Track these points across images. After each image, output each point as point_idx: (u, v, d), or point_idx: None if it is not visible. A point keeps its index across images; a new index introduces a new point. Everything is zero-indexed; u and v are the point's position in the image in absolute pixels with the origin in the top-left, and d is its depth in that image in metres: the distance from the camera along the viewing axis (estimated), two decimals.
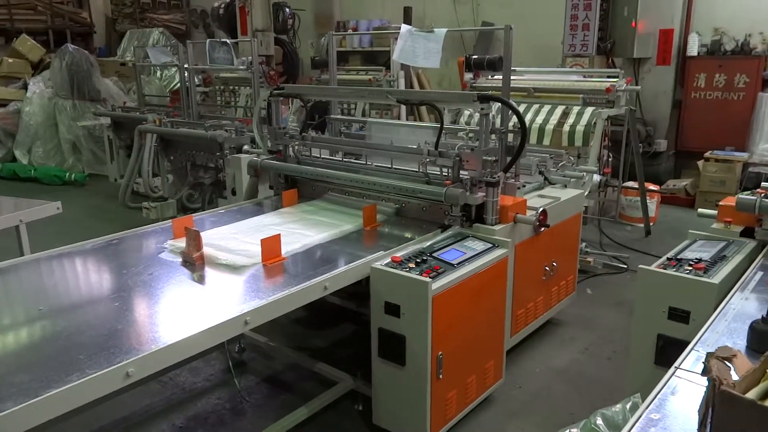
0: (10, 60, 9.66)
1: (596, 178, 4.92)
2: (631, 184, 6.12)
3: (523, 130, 3.11)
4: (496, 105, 3.35)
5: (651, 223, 6.07)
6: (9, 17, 10.60)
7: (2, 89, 9.26)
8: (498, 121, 3.58)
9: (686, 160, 7.49)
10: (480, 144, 3.09)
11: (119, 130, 7.48)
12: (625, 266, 5.04)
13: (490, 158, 3.01)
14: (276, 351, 3.57)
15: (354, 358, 3.36)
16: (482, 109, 3.00)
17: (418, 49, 3.62)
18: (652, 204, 6.23)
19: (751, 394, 1.39)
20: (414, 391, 2.62)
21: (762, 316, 1.86)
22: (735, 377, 1.42)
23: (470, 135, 3.46)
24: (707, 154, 6.83)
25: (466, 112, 5.30)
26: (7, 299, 2.46)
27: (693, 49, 7.23)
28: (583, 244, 5.17)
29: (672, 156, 7.61)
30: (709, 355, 1.53)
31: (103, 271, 2.78)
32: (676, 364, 1.78)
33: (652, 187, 6.29)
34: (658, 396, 1.63)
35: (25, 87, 9.24)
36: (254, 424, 2.95)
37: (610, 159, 5.53)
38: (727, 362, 1.48)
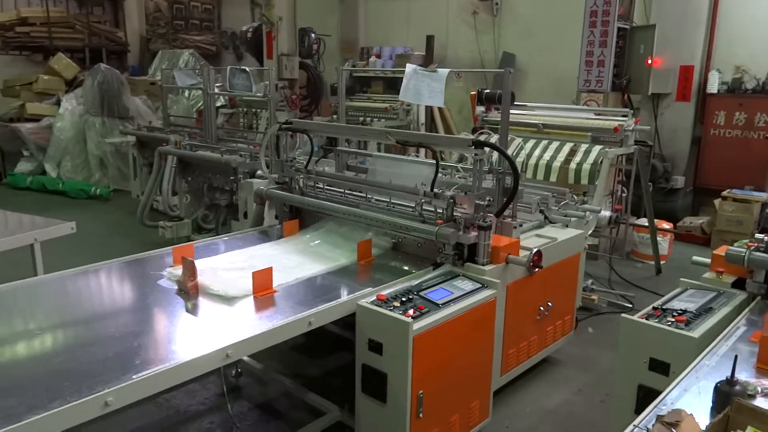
0: (46, 77, 10.07)
1: (606, 214, 4.92)
2: (644, 221, 6.08)
3: (515, 176, 3.16)
4: (492, 139, 3.42)
5: (662, 261, 6.02)
6: (48, 35, 11.05)
7: (37, 105, 9.64)
8: (496, 156, 3.63)
9: (704, 197, 7.41)
10: (473, 188, 3.15)
11: (143, 148, 7.72)
12: (631, 305, 5.00)
13: (482, 203, 3.05)
14: (271, 377, 3.64)
15: (345, 389, 3.42)
16: (476, 155, 3.07)
17: (422, 89, 3.70)
18: (665, 242, 6.18)
19: None
20: (394, 428, 2.66)
21: (726, 377, 1.87)
22: None
23: (467, 171, 3.51)
24: (725, 193, 6.74)
25: None
26: (7, 320, 2.57)
27: (713, 87, 7.20)
28: (590, 280, 5.16)
29: (690, 193, 7.54)
30: (658, 418, 1.56)
31: (101, 295, 2.90)
32: (635, 422, 1.80)
33: (665, 225, 6.25)
34: None
35: (58, 103, 9.60)
36: None
37: (623, 195, 5.52)
38: (672, 428, 1.51)
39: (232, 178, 5.53)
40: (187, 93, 10.17)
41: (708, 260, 3.09)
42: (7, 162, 9.71)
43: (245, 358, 3.66)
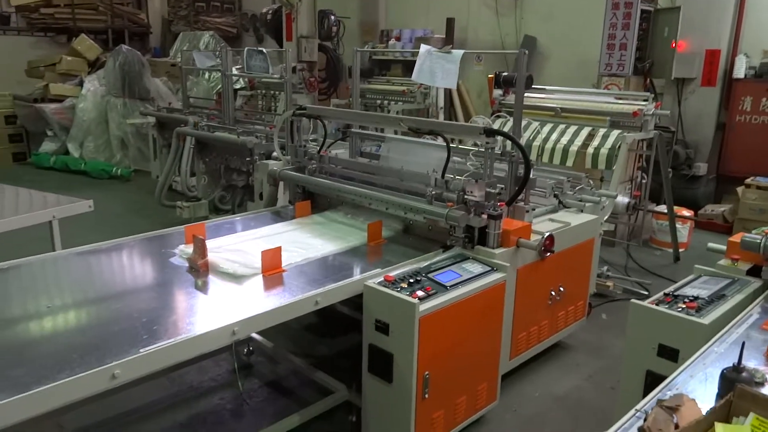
0: (69, 58, 10.18)
1: (624, 200, 4.85)
2: (663, 208, 5.98)
3: (526, 164, 3.12)
4: (509, 123, 3.38)
5: (682, 249, 5.93)
6: (72, 17, 11.16)
7: (60, 86, 9.76)
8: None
9: (728, 184, 7.26)
10: (484, 176, 3.12)
11: (163, 129, 7.79)
12: (647, 292, 4.93)
13: (493, 191, 3.02)
14: (282, 356, 3.68)
15: (354, 369, 3.44)
16: (487, 143, 3.03)
17: (436, 70, 3.66)
18: (685, 230, 6.08)
19: None
20: (399, 408, 2.67)
21: (733, 364, 1.84)
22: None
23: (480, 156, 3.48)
24: (748, 180, 6.59)
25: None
26: (18, 294, 2.62)
27: (740, 71, 7.01)
28: (605, 267, 5.11)
29: (712, 180, 7.39)
30: (659, 402, 1.54)
31: (113, 272, 2.95)
32: (638, 406, 1.78)
33: (685, 212, 6.13)
34: None
35: (80, 84, 9.72)
36: (249, 427, 3.06)
37: (643, 181, 5.43)
38: (673, 412, 1.49)
39: (248, 159, 5.56)
40: (207, 75, 10.20)
41: (724, 247, 3.03)
42: (32, 142, 9.89)
43: (257, 336, 3.71)
